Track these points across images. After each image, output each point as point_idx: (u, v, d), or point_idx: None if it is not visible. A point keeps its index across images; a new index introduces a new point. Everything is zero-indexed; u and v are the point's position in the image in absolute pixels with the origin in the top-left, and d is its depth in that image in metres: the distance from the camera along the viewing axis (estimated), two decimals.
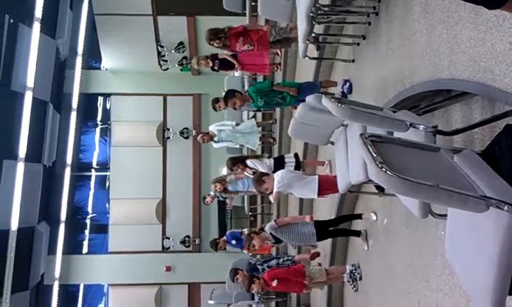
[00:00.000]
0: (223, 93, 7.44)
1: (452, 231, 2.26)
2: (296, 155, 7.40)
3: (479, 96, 2.99)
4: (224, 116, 11.01)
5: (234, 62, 7.45)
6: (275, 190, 5.52)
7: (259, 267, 7.56)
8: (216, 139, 9.28)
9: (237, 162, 7.81)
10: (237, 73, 10.53)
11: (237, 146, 10.24)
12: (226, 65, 7.61)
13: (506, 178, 2.03)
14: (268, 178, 5.61)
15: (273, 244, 6.25)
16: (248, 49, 7.05)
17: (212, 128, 9.39)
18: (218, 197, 9.43)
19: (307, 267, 6.52)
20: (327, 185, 5.34)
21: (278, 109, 10.03)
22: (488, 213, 1.85)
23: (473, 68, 2.81)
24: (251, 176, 6.91)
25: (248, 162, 7.55)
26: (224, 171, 10.43)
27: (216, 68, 7.66)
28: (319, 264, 6.47)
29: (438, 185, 1.83)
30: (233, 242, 8.85)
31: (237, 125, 9.60)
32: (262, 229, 6.08)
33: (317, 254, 6.99)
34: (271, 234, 5.85)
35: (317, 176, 5.62)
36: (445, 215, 2.33)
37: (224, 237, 9.15)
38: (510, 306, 2.47)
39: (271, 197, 5.87)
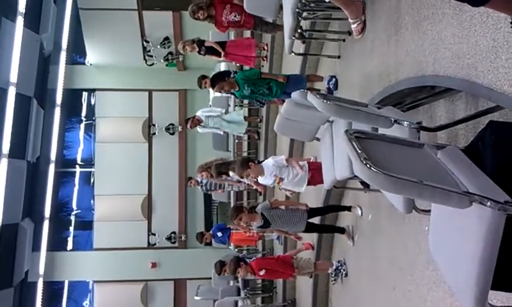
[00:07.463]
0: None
1: (435, 227, 2.28)
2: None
3: (463, 93, 3.01)
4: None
5: (219, 49, 7.48)
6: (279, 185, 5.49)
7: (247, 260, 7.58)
8: (202, 124, 9.24)
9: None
10: (223, 66, 10.52)
11: (222, 133, 10.20)
12: (212, 50, 7.63)
13: (489, 174, 2.05)
14: (254, 165, 5.46)
15: (260, 227, 6.13)
16: (234, 19, 7.00)
17: (200, 114, 9.33)
18: (202, 186, 9.37)
19: (295, 258, 6.50)
20: (317, 171, 5.12)
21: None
22: (471, 209, 1.86)
23: (457, 64, 2.83)
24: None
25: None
26: None
27: (202, 52, 7.65)
28: (309, 259, 6.46)
29: (421, 181, 1.84)
30: (219, 234, 8.84)
31: (226, 112, 9.60)
32: (253, 208, 5.90)
33: (312, 247, 6.90)
34: (261, 214, 5.74)
35: (306, 162, 5.55)
36: (429, 211, 2.34)
37: (211, 231, 9.15)
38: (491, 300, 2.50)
39: (288, 193, 5.87)
